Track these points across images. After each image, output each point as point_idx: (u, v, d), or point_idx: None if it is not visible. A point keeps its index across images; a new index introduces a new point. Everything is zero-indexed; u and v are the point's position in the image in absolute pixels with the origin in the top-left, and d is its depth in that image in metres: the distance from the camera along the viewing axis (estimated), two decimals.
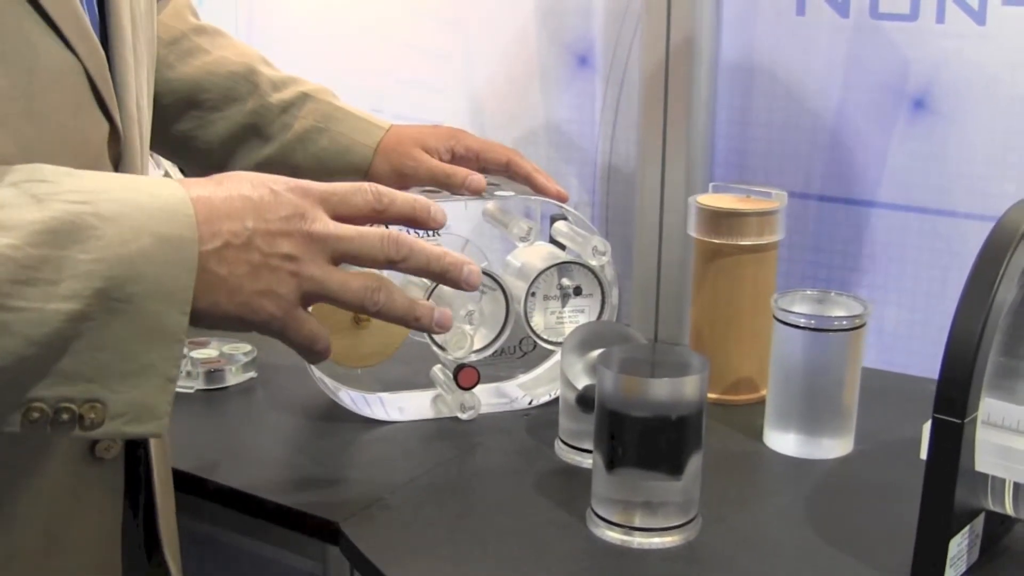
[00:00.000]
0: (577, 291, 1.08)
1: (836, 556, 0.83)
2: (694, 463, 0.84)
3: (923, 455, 0.75)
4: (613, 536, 0.85)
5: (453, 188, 1.06)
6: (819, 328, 0.97)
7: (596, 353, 0.93)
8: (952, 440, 0.73)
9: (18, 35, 0.65)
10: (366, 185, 0.73)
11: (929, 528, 0.76)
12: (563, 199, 1.09)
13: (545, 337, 1.08)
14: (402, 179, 1.08)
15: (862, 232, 1.22)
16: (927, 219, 1.18)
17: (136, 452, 0.81)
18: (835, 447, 1.00)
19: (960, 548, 0.77)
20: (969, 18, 1.11)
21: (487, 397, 1.09)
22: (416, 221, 0.75)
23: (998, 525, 0.82)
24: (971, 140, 1.14)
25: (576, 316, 1.09)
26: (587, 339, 0.97)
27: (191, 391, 1.12)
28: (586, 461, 0.95)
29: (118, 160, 0.73)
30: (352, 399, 1.07)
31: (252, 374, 1.16)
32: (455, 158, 1.10)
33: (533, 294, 1.07)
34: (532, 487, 0.93)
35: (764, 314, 1.02)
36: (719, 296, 1.10)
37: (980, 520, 0.79)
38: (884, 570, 0.81)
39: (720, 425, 1.05)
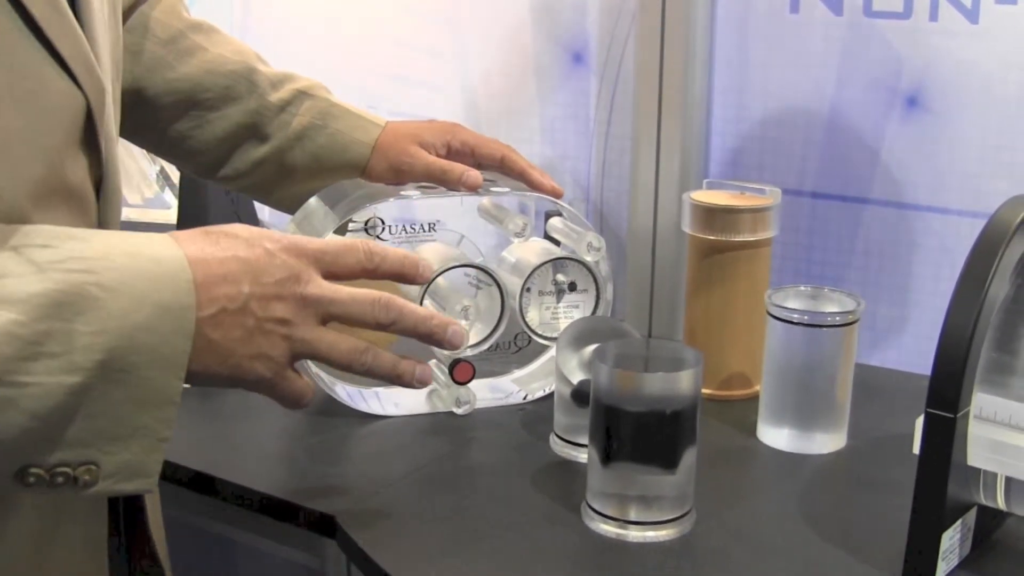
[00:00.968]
0: (572, 287, 1.09)
1: (829, 550, 0.84)
2: (689, 457, 0.85)
3: (916, 450, 0.76)
4: (608, 530, 0.85)
5: (449, 184, 1.07)
6: (812, 324, 0.97)
7: (591, 348, 0.94)
8: (945, 435, 0.74)
9: (37, 78, 0.66)
10: (358, 243, 0.75)
11: (921, 522, 0.76)
12: (558, 195, 1.10)
13: (540, 332, 1.09)
14: (399, 176, 1.08)
15: (855, 229, 1.23)
16: (920, 216, 1.19)
17: None
18: (828, 442, 1.00)
19: (952, 542, 0.78)
20: (962, 16, 1.12)
21: (482, 392, 1.09)
22: (405, 278, 0.78)
23: (990, 519, 0.83)
24: (964, 138, 1.14)
25: (571, 312, 1.09)
26: (582, 334, 0.98)
27: (187, 385, 1.12)
28: (581, 455, 0.96)
29: (99, 182, 0.73)
30: (348, 394, 1.07)
31: None
32: (451, 152, 1.10)
33: (528, 290, 1.07)
34: (527, 481, 0.94)
35: (758, 310, 1.02)
36: (713, 292, 1.10)
37: (972, 514, 0.80)
38: (877, 564, 0.81)
39: (714, 420, 1.05)
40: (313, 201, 1.07)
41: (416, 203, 1.07)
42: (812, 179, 1.24)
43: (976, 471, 0.77)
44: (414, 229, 1.08)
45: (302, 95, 1.09)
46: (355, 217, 1.03)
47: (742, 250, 1.08)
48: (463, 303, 1.04)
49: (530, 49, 1.39)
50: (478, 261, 1.06)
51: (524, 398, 1.10)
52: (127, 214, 1.49)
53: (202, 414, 1.08)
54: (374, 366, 0.76)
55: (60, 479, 0.63)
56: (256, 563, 1.00)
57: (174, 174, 1.51)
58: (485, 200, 1.13)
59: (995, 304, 0.75)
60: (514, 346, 1.12)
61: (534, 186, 1.09)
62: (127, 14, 1.06)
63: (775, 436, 1.01)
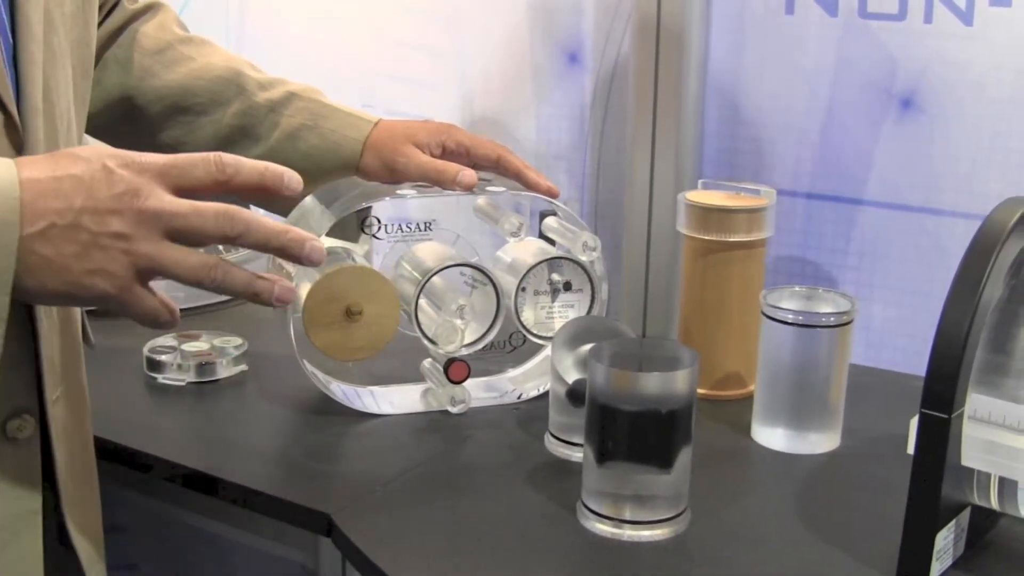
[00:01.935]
0: (567, 286, 1.09)
1: (823, 550, 0.84)
2: (684, 457, 0.85)
3: (910, 450, 0.76)
4: (603, 529, 0.86)
5: (445, 184, 1.07)
6: (807, 324, 0.98)
7: (586, 348, 0.94)
8: (939, 435, 0.74)
9: None
10: (209, 155, 0.72)
11: (916, 522, 0.76)
12: (553, 195, 1.10)
13: (535, 332, 1.09)
14: (393, 175, 1.08)
15: (850, 229, 1.23)
16: (914, 217, 1.19)
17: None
18: (822, 442, 1.00)
19: (946, 542, 0.78)
20: (956, 18, 1.12)
21: (477, 391, 1.09)
22: (267, 189, 0.72)
23: (984, 519, 0.83)
24: (958, 139, 1.15)
25: (566, 311, 1.09)
26: (577, 334, 0.98)
27: (182, 384, 1.12)
28: (575, 454, 0.96)
29: (20, 150, 0.75)
30: (343, 392, 1.07)
31: (243, 367, 1.16)
32: (445, 153, 1.10)
33: (523, 289, 1.07)
34: (522, 480, 0.94)
35: (752, 310, 1.03)
36: (708, 292, 1.10)
37: (966, 514, 0.80)
38: (871, 564, 0.81)
39: (708, 420, 1.06)
40: (309, 200, 1.07)
41: (412, 202, 1.07)
42: (807, 180, 1.24)
43: (970, 471, 0.78)
44: (410, 228, 1.08)
45: (293, 96, 1.10)
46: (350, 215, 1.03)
47: (737, 250, 1.08)
48: (459, 302, 1.04)
49: (526, 49, 1.39)
50: (474, 260, 1.06)
51: (519, 397, 1.11)
52: None
53: (197, 412, 1.08)
54: (225, 282, 0.71)
55: None
56: (251, 561, 1.00)
57: None
58: (481, 200, 1.13)
59: (989, 305, 0.75)
60: (509, 345, 1.12)
61: (530, 186, 1.09)
62: (119, 30, 1.09)
63: (769, 436, 1.02)
